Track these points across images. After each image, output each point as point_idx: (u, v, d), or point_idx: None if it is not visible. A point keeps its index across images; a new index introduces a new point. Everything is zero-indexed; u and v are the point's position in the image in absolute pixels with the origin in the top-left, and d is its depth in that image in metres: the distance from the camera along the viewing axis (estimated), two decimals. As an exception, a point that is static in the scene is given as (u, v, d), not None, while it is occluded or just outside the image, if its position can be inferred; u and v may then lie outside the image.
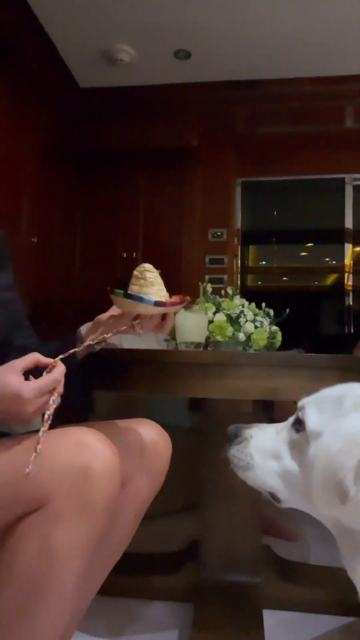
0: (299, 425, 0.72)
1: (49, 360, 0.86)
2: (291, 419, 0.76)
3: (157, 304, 0.92)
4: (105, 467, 0.81)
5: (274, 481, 0.75)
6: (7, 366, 0.83)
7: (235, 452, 0.77)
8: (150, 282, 0.95)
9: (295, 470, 0.72)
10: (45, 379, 0.83)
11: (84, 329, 1.02)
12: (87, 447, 0.82)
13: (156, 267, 0.98)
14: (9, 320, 1.04)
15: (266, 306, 1.65)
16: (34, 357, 0.85)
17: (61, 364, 0.86)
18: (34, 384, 0.82)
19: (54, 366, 0.85)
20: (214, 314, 1.53)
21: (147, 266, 0.96)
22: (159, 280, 0.97)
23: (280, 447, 0.74)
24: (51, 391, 0.84)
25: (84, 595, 1.03)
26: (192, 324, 1.45)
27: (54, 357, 0.87)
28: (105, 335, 0.96)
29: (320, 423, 0.68)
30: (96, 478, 0.80)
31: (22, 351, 0.90)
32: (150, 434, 1.06)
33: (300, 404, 0.74)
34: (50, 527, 0.78)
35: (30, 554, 0.78)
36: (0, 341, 1.00)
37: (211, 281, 2.08)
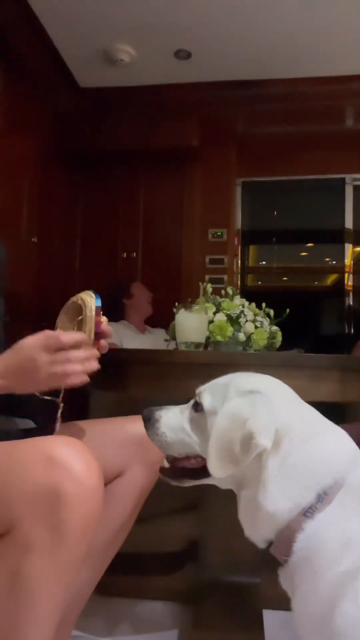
0: (197, 406, 0.88)
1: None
2: (192, 402, 0.91)
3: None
4: (79, 486, 0.72)
5: (186, 450, 0.89)
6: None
7: (151, 434, 0.91)
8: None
9: (196, 442, 0.87)
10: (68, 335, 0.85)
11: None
12: (58, 464, 0.73)
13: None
14: None
15: (266, 306, 1.65)
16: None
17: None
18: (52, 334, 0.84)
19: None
20: (214, 314, 1.53)
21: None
22: None
23: (183, 423, 0.90)
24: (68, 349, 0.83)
25: (86, 586, 1.03)
26: (192, 324, 1.45)
27: None
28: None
29: (213, 405, 0.85)
30: (69, 501, 0.71)
31: None
32: None
33: (197, 390, 0.90)
34: (19, 556, 0.71)
35: None
36: None
37: (211, 281, 2.08)
